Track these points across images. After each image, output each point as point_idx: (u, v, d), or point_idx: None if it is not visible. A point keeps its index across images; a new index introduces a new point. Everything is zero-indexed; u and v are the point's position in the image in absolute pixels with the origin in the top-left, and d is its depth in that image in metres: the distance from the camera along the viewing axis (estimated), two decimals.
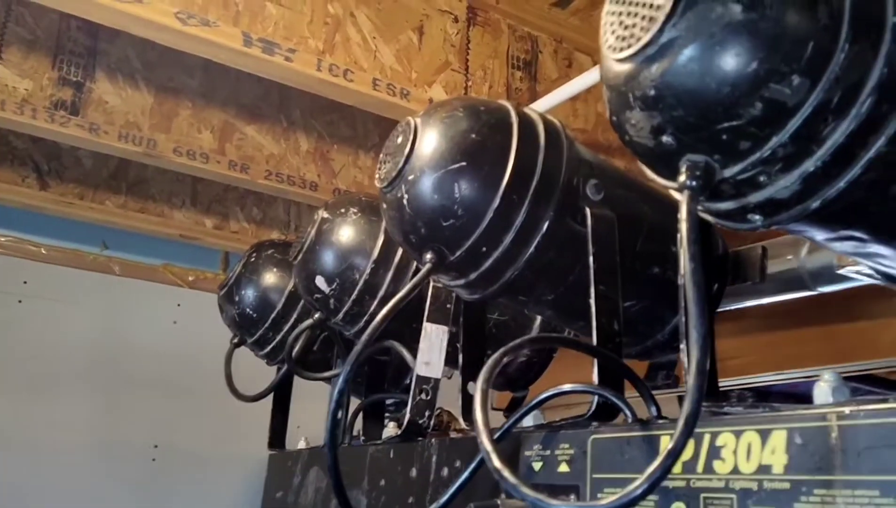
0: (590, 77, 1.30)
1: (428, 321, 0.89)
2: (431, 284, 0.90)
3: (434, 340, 0.90)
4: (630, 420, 0.62)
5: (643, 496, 0.41)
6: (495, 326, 0.96)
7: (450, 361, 0.89)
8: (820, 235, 0.54)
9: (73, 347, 1.76)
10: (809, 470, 0.46)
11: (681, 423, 0.41)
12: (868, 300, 1.48)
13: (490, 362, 0.55)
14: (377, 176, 0.74)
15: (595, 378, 0.65)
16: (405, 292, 0.73)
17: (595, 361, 0.65)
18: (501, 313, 0.98)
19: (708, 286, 0.79)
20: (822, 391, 0.49)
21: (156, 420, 1.82)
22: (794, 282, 0.96)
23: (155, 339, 1.86)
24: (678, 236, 0.46)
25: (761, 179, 0.45)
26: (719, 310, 0.85)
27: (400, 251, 0.97)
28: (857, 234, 0.52)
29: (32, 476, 1.65)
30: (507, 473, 0.47)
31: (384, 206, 0.74)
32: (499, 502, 0.63)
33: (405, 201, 0.70)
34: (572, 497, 0.61)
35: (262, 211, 1.95)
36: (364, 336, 0.71)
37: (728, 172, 0.46)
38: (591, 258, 0.68)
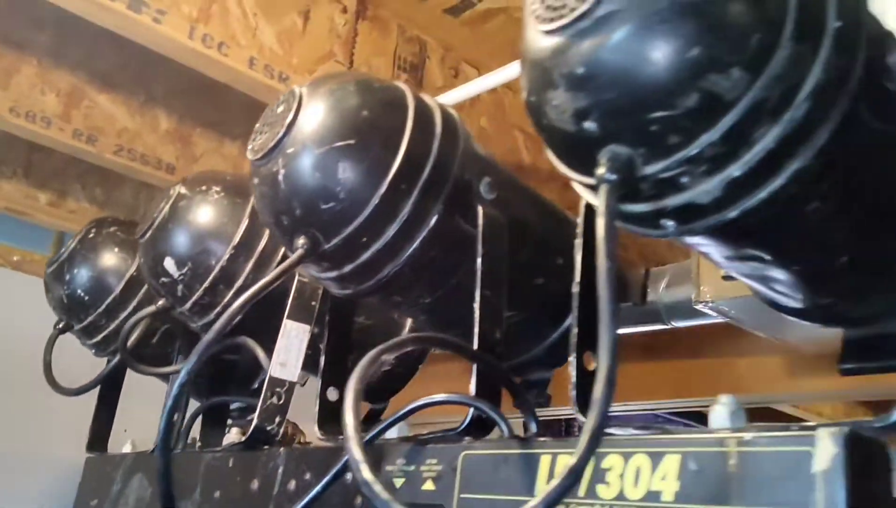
0: (475, 86, 1.27)
1: (289, 317, 0.81)
2: (296, 278, 0.82)
3: (293, 339, 0.81)
4: (507, 436, 0.57)
5: None
6: (360, 330, 0.89)
7: (305, 365, 0.82)
8: (721, 251, 0.51)
9: None
10: (703, 499, 0.43)
11: (586, 436, 0.37)
12: (716, 338, 1.53)
13: (366, 359, 0.48)
14: (250, 147, 0.66)
15: (472, 389, 0.60)
16: (269, 279, 0.65)
17: (474, 370, 0.60)
18: (368, 317, 0.91)
19: None
20: (719, 414, 0.46)
21: None
22: (650, 314, 0.96)
23: None
24: (592, 233, 0.42)
25: (683, 180, 0.42)
26: None
27: (264, 239, 0.88)
28: (762, 254, 0.50)
29: None
30: (378, 487, 0.41)
31: (255, 181, 0.66)
32: None
33: (281, 177, 0.62)
34: None
35: (107, 192, 1.76)
36: (217, 325, 0.62)
37: (650, 169, 0.42)
38: (479, 260, 0.63)
